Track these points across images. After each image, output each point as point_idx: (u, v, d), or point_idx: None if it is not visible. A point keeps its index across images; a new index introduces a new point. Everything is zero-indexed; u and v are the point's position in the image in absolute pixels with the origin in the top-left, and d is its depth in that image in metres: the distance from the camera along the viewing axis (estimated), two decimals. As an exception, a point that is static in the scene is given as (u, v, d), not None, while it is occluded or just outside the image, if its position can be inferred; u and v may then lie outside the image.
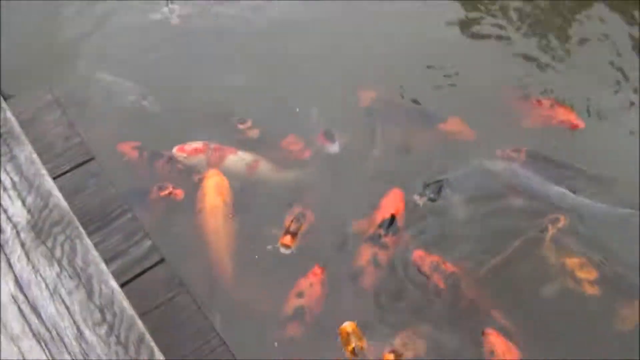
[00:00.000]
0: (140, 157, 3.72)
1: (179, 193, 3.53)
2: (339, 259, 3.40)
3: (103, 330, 1.42)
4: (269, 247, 3.36)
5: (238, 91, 4.24)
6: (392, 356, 2.90)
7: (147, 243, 2.61)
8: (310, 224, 3.45)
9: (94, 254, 1.53)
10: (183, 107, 4.12)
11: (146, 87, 4.18)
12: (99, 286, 1.49)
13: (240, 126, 3.93)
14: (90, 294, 1.47)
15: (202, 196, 3.53)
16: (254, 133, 3.94)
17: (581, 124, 3.96)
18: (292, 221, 3.42)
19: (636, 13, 4.82)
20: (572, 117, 3.99)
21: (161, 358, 1.39)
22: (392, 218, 3.43)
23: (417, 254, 3.31)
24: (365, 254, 3.35)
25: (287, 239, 3.34)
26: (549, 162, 3.77)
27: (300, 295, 3.15)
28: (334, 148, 3.87)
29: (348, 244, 3.46)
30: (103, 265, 1.52)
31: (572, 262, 3.31)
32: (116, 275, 2.50)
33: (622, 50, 4.57)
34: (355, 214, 3.60)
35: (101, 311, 1.45)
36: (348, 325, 2.95)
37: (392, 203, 3.57)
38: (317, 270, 3.25)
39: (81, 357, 1.36)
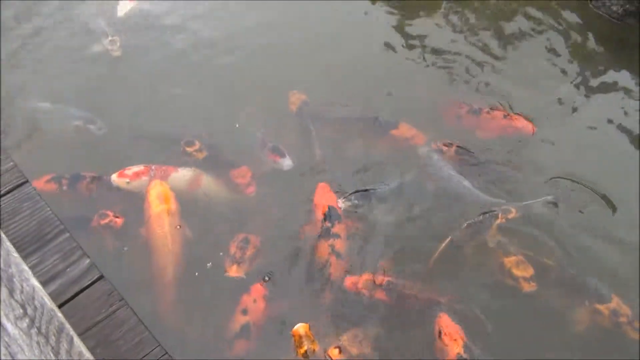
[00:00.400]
0: (59, 187, 3.72)
1: (119, 221, 3.56)
2: (296, 264, 3.49)
3: (25, 323, 1.48)
4: (209, 264, 3.42)
5: (184, 114, 4.36)
6: (336, 351, 3.01)
7: (86, 261, 2.65)
8: (255, 248, 3.48)
9: (15, 255, 1.59)
10: (129, 132, 4.20)
11: (91, 113, 4.25)
12: (20, 284, 1.55)
13: (188, 149, 4.00)
14: (12, 292, 1.53)
15: (147, 206, 3.59)
16: (202, 155, 4.02)
17: (534, 129, 4.18)
18: (236, 248, 3.44)
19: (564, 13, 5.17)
20: (525, 124, 4.20)
21: (80, 344, 1.46)
22: (330, 209, 3.60)
23: (349, 281, 3.35)
24: (323, 248, 3.48)
25: (234, 269, 3.37)
26: (472, 158, 3.99)
27: (244, 312, 3.21)
28: (287, 163, 3.94)
29: (303, 248, 3.55)
30: (24, 266, 1.58)
31: (509, 260, 3.43)
32: (56, 294, 2.56)
33: (556, 50, 4.91)
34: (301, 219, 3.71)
35: (22, 306, 1.50)
36: (301, 327, 3.02)
37: (323, 197, 3.72)
38: (258, 286, 3.31)
39: (4, 349, 1.42)
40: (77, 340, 1.45)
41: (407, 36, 5.09)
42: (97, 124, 4.17)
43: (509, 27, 5.14)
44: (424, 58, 4.88)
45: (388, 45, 4.98)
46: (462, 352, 3.02)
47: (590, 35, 5.05)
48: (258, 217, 3.73)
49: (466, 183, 3.78)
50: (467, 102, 4.37)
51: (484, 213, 3.61)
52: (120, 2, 5.16)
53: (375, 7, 5.40)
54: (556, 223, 3.71)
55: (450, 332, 3.10)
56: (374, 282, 3.32)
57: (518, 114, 4.28)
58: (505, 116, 4.21)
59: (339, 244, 3.48)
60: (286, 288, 3.37)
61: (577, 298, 3.33)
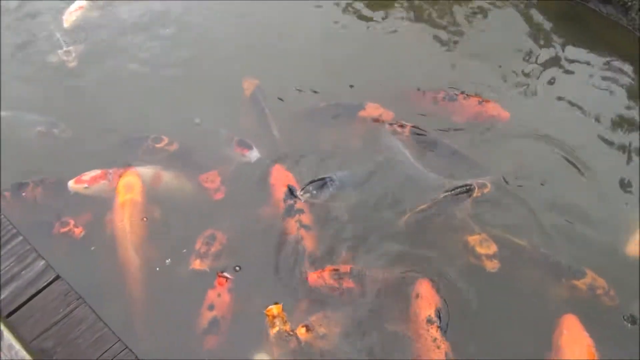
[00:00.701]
0: (3, 199, 3.66)
1: (78, 231, 3.53)
2: (268, 247, 3.52)
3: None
4: (168, 260, 3.43)
5: (145, 114, 4.35)
6: (304, 329, 3.06)
7: (41, 263, 2.67)
8: (221, 245, 3.49)
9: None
10: (93, 134, 4.18)
11: (54, 117, 4.23)
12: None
13: (158, 145, 4.01)
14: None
15: (115, 195, 3.62)
16: (173, 147, 4.04)
17: (507, 115, 4.21)
18: (202, 244, 3.47)
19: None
20: (500, 111, 4.23)
21: (10, 337, 1.47)
22: (289, 188, 3.68)
23: (312, 277, 3.34)
24: (291, 225, 3.54)
25: (197, 263, 3.40)
26: (426, 137, 4.05)
27: (211, 307, 3.23)
28: (254, 154, 3.97)
29: (271, 230, 3.59)
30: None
31: (472, 239, 3.47)
32: (12, 297, 2.57)
33: (516, 30, 5.01)
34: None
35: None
36: (274, 308, 3.09)
37: (279, 177, 3.80)
38: (221, 279, 3.32)
39: None
40: (7, 334, 1.47)
41: (366, 20, 5.15)
42: (60, 127, 4.16)
43: (468, 8, 5.24)
44: (386, 41, 4.96)
45: (347, 30, 5.05)
46: (432, 315, 3.10)
47: (546, 13, 5.13)
48: (221, 209, 3.74)
49: (417, 163, 3.84)
50: (438, 88, 4.41)
51: (461, 186, 3.66)
52: (65, 12, 5.12)
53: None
54: (523, 199, 3.76)
55: (426, 296, 3.19)
56: (339, 271, 3.34)
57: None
58: (480, 102, 4.25)
59: (305, 218, 3.56)
60: (261, 272, 3.40)
61: (552, 276, 3.37)
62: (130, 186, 3.67)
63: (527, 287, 3.35)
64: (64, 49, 4.78)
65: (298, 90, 4.49)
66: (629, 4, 4.85)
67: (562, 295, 3.31)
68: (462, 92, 4.33)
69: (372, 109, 4.24)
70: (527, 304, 3.30)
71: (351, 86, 4.52)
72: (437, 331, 3.04)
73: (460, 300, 3.26)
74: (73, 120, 4.27)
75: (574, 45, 4.87)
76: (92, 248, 3.51)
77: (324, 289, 3.28)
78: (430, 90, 4.39)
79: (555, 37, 4.94)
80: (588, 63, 4.74)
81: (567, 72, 4.67)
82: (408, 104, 4.36)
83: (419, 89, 4.43)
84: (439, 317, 3.09)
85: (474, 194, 3.64)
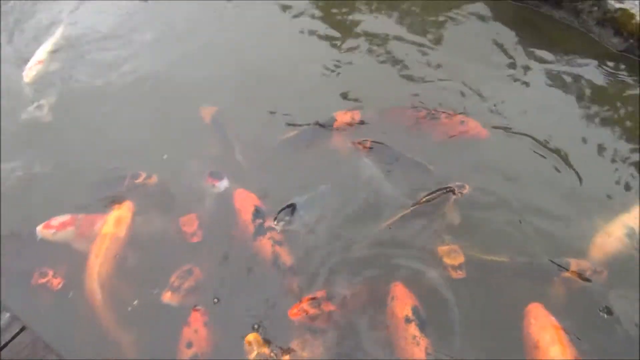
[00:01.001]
0: None
1: (56, 282, 3.49)
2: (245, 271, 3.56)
3: None
4: (135, 302, 3.43)
5: (116, 155, 4.33)
6: (287, 357, 3.11)
7: (6, 315, 2.67)
8: (196, 281, 3.50)
9: None
10: (71, 176, 4.18)
11: (30, 161, 4.24)
12: None
13: (137, 181, 4.03)
14: None
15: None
16: (153, 180, 4.06)
17: (487, 133, 4.26)
18: (176, 278, 3.48)
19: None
20: (480, 129, 4.27)
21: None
22: (256, 209, 3.76)
23: (292, 313, 3.32)
24: (264, 244, 3.61)
25: (167, 295, 3.42)
26: (388, 151, 4.11)
27: (189, 345, 3.21)
28: (224, 184, 4.02)
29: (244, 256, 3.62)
30: None
31: (441, 249, 3.55)
32: (-23, 353, 2.55)
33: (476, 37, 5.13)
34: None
35: None
36: (250, 335, 3.21)
37: (245, 200, 3.85)
38: (196, 314, 3.33)
39: None
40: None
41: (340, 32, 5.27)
42: (37, 165, 4.17)
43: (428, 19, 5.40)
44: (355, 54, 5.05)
45: (317, 45, 5.16)
46: (410, 314, 3.17)
47: (498, 18, 5.29)
48: (198, 250, 3.72)
49: (379, 177, 3.90)
50: (422, 105, 4.45)
51: (440, 189, 3.75)
52: (25, 68, 5.07)
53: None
54: (498, 201, 3.81)
55: (401, 296, 3.27)
56: (317, 298, 3.35)
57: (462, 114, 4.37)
58: (462, 122, 4.28)
59: (277, 235, 3.64)
60: (241, 300, 3.41)
61: (543, 279, 3.43)
62: (118, 220, 3.71)
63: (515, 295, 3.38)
64: (35, 104, 4.70)
65: (271, 113, 4.52)
66: (580, 7, 5.00)
67: (560, 291, 3.37)
68: (445, 112, 4.35)
69: (341, 117, 4.33)
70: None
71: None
72: (416, 329, 3.13)
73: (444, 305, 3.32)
74: (50, 164, 4.27)
75: (534, 48, 4.99)
76: (70, 295, 3.47)
77: (307, 320, 3.29)
78: (411, 109, 4.42)
79: (514, 41, 5.06)
80: (549, 63, 4.86)
81: (530, 74, 4.78)
82: (388, 121, 4.40)
83: (399, 107, 4.47)
84: (417, 315, 3.17)
85: (454, 197, 3.72)
